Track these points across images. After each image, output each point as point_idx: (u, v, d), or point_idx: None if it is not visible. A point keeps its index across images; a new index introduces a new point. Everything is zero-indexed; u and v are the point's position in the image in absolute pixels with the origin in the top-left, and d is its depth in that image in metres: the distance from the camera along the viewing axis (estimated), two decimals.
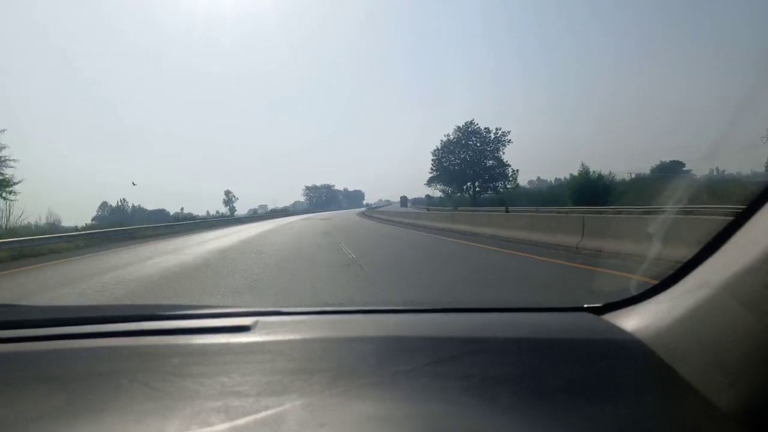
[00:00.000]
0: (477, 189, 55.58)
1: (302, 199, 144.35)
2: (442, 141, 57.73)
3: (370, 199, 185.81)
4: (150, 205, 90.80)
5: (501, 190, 52.71)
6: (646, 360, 0.73)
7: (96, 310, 1.50)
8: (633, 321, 0.83)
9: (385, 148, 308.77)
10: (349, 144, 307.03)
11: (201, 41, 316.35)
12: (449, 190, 66.37)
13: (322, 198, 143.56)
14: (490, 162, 54.43)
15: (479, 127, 55.38)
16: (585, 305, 0.98)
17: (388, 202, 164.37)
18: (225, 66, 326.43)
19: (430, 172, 59.16)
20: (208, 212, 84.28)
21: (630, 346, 0.77)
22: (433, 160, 58.32)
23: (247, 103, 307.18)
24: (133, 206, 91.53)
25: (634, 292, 0.90)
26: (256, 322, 0.91)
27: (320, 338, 0.85)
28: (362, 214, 44.54)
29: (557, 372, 0.73)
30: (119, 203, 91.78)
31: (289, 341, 0.84)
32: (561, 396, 0.67)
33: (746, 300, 0.61)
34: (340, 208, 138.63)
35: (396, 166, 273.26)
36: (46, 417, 0.63)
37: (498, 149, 54.09)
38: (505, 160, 53.90)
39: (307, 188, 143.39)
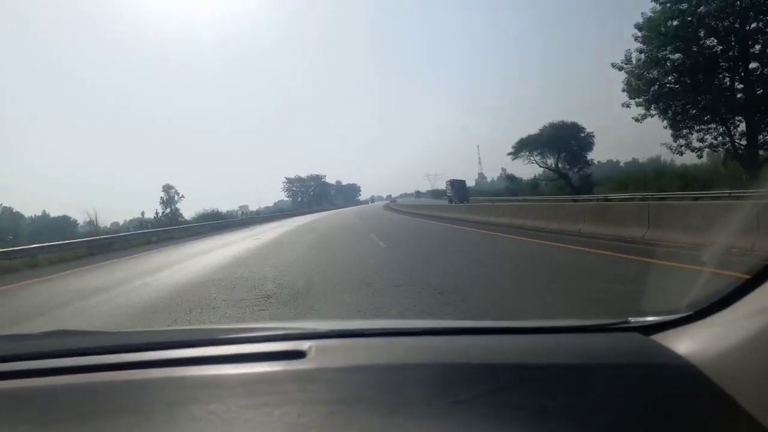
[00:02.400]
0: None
1: (284, 195, 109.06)
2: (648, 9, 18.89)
3: (365, 194, 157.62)
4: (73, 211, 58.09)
5: None
6: (703, 387, 0.70)
7: (146, 336, 1.40)
8: (685, 344, 0.79)
9: (381, 140, 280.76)
10: (343, 135, 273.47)
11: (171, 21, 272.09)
12: (551, 161, 34.72)
13: (309, 193, 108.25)
14: None
15: None
16: (632, 321, 0.94)
17: (390, 197, 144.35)
18: (198, 47, 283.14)
19: (632, 95, 20.13)
20: (141, 215, 51.65)
21: (685, 372, 0.73)
22: (642, 51, 19.56)
23: (229, 94, 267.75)
24: (3, 209, 56.69)
25: (683, 311, 0.86)
26: (311, 348, 0.89)
27: (376, 365, 0.85)
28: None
29: (612, 401, 0.71)
30: None
31: (346, 369, 0.83)
32: (617, 428, 0.66)
33: None
34: (333, 205, 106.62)
35: (387, 161, 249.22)
36: None
37: None
38: None
39: (289, 181, 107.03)
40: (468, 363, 0.83)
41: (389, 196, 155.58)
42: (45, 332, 1.25)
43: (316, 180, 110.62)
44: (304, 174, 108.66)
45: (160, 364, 0.90)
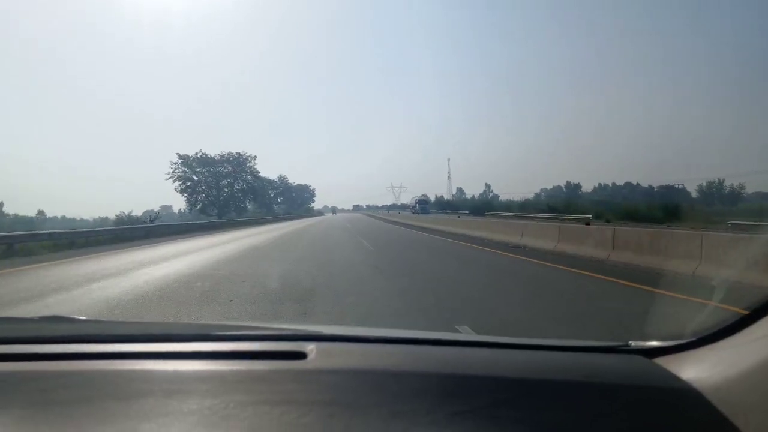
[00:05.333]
0: None
1: (176, 188, 53.41)
2: None
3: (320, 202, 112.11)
4: None
5: None
6: (705, 412, 0.70)
7: (146, 327, 1.38)
8: (690, 369, 0.80)
9: (341, 147, 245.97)
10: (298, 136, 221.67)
11: None
12: None
13: (222, 188, 55.26)
14: None
15: None
16: (633, 345, 0.94)
17: (358, 208, 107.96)
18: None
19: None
20: None
21: (688, 396, 0.74)
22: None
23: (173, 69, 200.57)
24: None
25: (687, 335, 0.87)
26: (312, 349, 0.89)
27: (378, 371, 0.85)
28: None
29: (612, 420, 0.72)
30: None
31: (347, 372, 0.83)
32: None
33: None
34: (273, 214, 57.69)
35: (345, 170, 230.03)
36: None
37: None
38: None
39: (184, 161, 52.31)
40: (470, 375, 0.83)
41: (357, 206, 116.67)
42: (41, 317, 1.24)
43: (238, 164, 56.86)
44: (213, 152, 54.68)
45: (157, 356, 0.89)
